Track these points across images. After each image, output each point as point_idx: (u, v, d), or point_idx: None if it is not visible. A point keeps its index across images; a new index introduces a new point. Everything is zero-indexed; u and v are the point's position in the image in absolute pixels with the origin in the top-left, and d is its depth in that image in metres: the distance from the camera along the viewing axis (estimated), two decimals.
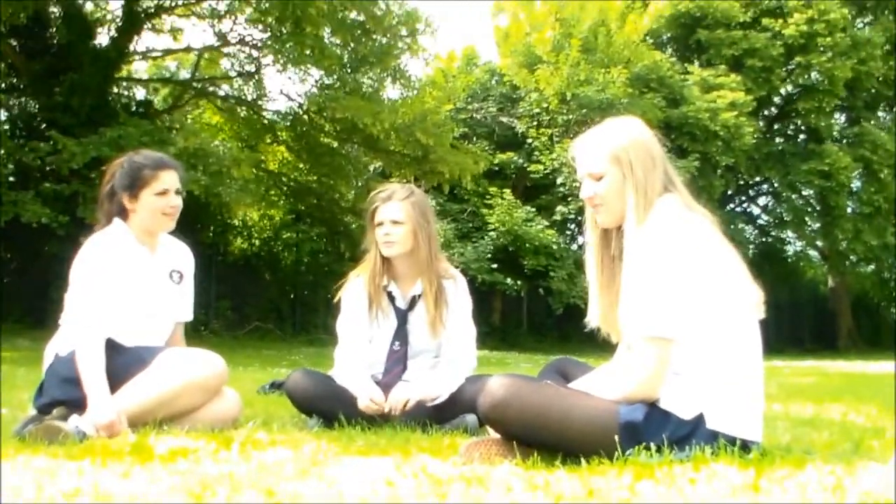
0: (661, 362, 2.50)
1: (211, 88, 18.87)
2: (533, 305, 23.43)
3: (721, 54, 24.20)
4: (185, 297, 3.63)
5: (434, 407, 3.57)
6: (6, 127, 16.62)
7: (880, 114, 27.95)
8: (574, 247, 24.28)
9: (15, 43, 16.03)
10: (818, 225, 27.53)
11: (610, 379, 2.67)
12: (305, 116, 18.21)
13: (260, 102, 18.98)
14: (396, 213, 3.74)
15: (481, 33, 57.30)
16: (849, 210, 26.04)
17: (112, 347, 3.18)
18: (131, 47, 17.24)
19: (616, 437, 2.46)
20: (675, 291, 2.50)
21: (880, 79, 25.39)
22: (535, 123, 22.92)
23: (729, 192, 27.16)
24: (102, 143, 13.01)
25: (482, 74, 24.80)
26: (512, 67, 23.74)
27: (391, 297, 3.81)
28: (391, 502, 1.86)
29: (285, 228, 21.72)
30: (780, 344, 21.74)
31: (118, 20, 16.90)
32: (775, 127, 27.93)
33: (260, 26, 16.90)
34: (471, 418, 3.50)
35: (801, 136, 27.37)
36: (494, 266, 20.31)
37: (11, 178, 14.12)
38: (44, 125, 14.60)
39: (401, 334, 3.77)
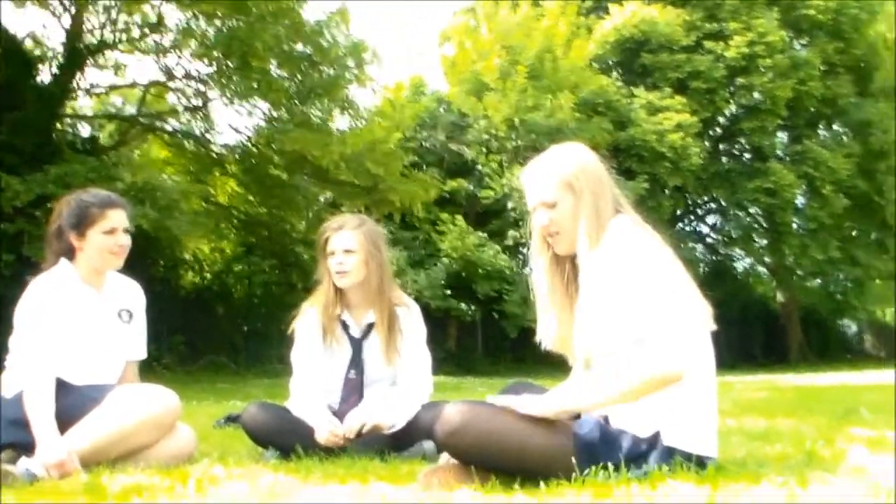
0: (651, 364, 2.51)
1: (158, 123, 18.70)
2: (488, 330, 23.44)
3: (666, 77, 24.56)
4: (137, 335, 3.59)
5: (391, 435, 3.56)
6: None
7: (821, 131, 28.51)
8: (526, 270, 24.36)
9: None
10: (765, 241, 27.94)
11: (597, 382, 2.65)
12: (254, 149, 18.11)
13: (208, 136, 18.84)
14: (348, 243, 3.74)
15: (428, 63, 57.56)
16: (794, 226, 26.45)
17: (61, 387, 3.12)
18: (74, 84, 17.04)
19: (573, 459, 2.47)
20: (647, 299, 2.51)
21: (819, 98, 25.92)
22: (484, 150, 23.05)
23: (678, 212, 27.48)
24: (48, 180, 12.81)
25: (430, 103, 24.88)
26: (460, 95, 23.87)
27: (345, 326, 3.80)
28: None
29: (236, 261, 21.55)
30: (733, 359, 21.95)
31: (60, 57, 16.70)
32: (721, 147, 28.36)
33: (206, 60, 16.80)
34: (428, 445, 3.49)
35: (747, 156, 27.79)
36: (448, 292, 20.33)
37: None
38: None
39: (356, 363, 3.76)
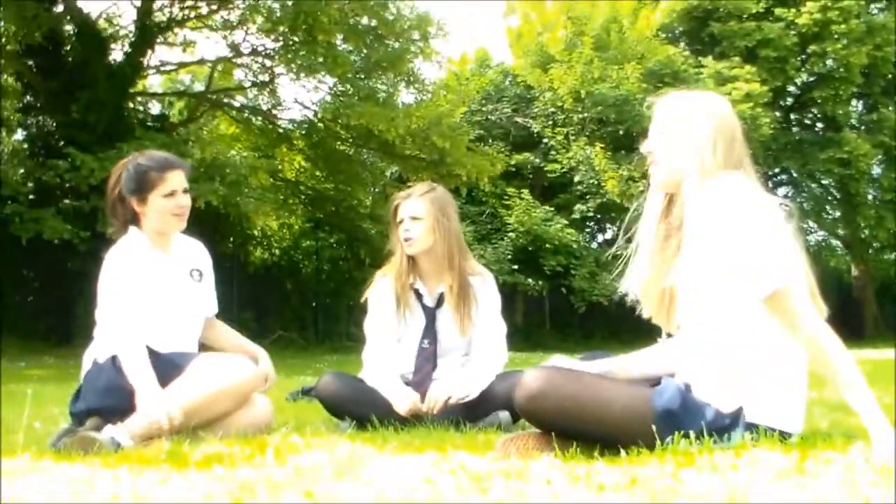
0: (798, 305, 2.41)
1: (226, 100, 18.93)
2: (555, 304, 23.36)
3: (734, 46, 24.05)
4: (208, 292, 3.62)
5: (466, 405, 3.54)
6: (25, 146, 16.74)
7: None
8: (594, 245, 24.23)
9: (31, 62, 16.13)
10: (839, 213, 27.34)
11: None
12: (320, 124, 18.23)
13: (275, 112, 19.02)
14: (415, 210, 3.72)
15: (493, 35, 57.22)
16: (870, 197, 25.84)
17: (148, 355, 3.18)
18: (145, 62, 17.31)
19: (653, 426, 2.43)
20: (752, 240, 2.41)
21: None
22: (550, 123, 22.91)
23: None
24: (120, 158, 12.99)
25: (495, 76, 24.79)
26: (525, 67, 23.75)
27: (419, 296, 3.79)
28: (432, 501, 1.84)
29: (304, 237, 21.76)
30: None
31: (131, 35, 16.97)
32: (792, 117, 27.75)
33: (272, 36, 16.93)
34: (503, 415, 3.48)
35: (819, 125, 27.17)
36: (515, 267, 20.29)
37: (32, 197, 14.18)
38: (61, 143, 14.67)
39: (430, 332, 3.75)
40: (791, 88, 26.57)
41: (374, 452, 2.65)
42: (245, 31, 17.27)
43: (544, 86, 22.86)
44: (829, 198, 27.64)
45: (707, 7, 24.58)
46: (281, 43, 16.89)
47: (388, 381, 3.63)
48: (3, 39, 15.75)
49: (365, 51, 16.87)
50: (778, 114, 25.57)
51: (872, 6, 26.11)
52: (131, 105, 17.27)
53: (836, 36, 23.68)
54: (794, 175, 27.15)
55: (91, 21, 16.52)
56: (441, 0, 28.65)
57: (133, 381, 3.08)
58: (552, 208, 21.60)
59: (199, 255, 3.62)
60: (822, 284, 2.61)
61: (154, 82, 20.86)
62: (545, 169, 22.36)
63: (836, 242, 30.21)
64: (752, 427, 2.45)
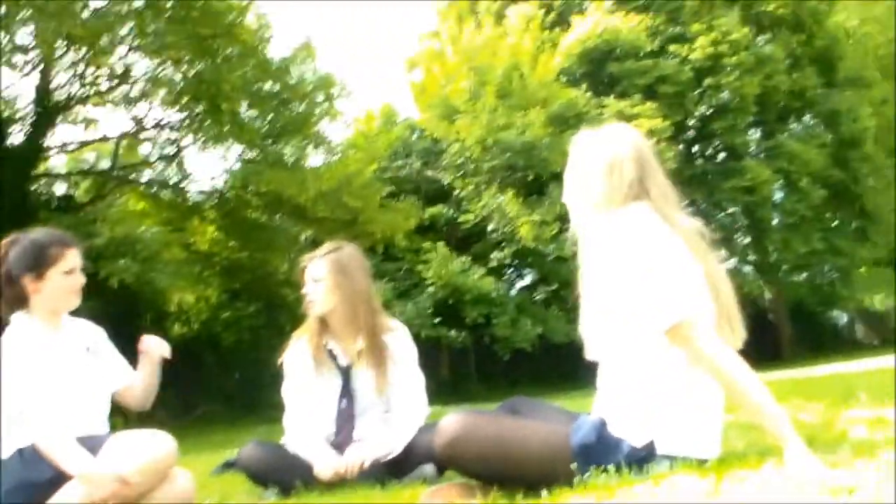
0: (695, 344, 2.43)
1: (132, 176, 18.69)
2: (480, 354, 23.36)
3: (634, 84, 24.72)
4: (115, 361, 3.53)
5: (390, 461, 3.51)
6: None
7: (792, 125, 28.72)
8: (513, 292, 24.37)
9: None
10: (748, 239, 28.04)
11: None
12: (230, 193, 18.11)
13: (183, 184, 18.84)
14: (316, 272, 3.72)
15: (397, 90, 57.82)
16: (775, 222, 26.59)
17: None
18: (46, 142, 17.01)
19: (573, 464, 2.44)
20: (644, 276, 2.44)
21: (787, 91, 26.15)
22: (460, 173, 23.11)
23: None
24: None
25: (402, 131, 24.95)
26: (431, 121, 23.96)
27: (333, 356, 3.76)
28: None
29: (222, 308, 21.40)
30: None
31: (31, 116, 16.68)
32: (694, 149, 28.50)
33: (176, 107, 16.82)
34: (428, 468, 3.46)
35: (721, 155, 27.93)
36: (437, 320, 20.27)
37: None
38: None
39: (346, 392, 3.72)
40: (691, 122, 27.32)
41: None
42: (148, 104, 17.14)
43: (452, 137, 23.09)
44: (737, 225, 28.35)
45: (604, 48, 25.22)
46: (185, 114, 16.79)
47: (309, 445, 3.58)
48: None
49: (270, 115, 16.87)
50: (681, 147, 26.26)
51: (759, 38, 27.14)
52: (34, 188, 16.92)
53: (728, 68, 24.55)
54: (702, 205, 27.81)
55: None
56: (342, 60, 28.73)
57: (67, 465, 2.95)
58: (469, 258, 21.68)
59: (88, 330, 3.48)
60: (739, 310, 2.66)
61: (58, 162, 20.48)
62: (458, 220, 22.50)
63: (747, 268, 30.96)
64: (669, 458, 2.47)
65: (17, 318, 3.26)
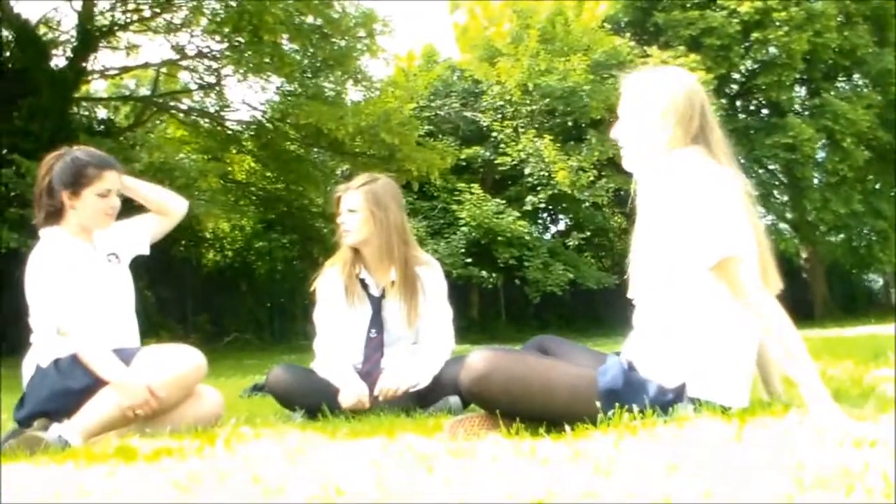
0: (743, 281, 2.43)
1: (172, 103, 18.74)
2: (510, 296, 23.46)
3: (679, 35, 24.28)
4: (133, 234, 3.56)
5: (416, 392, 3.57)
6: None
7: (839, 84, 28.14)
8: (547, 236, 24.36)
9: None
10: (786, 197, 27.71)
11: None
12: (269, 125, 18.13)
13: (222, 113, 18.87)
14: (351, 202, 3.75)
15: (439, 30, 57.22)
16: (815, 181, 26.21)
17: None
18: (88, 67, 17.07)
19: (598, 403, 2.47)
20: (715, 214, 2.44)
21: (836, 49, 25.57)
22: (499, 116, 22.98)
23: None
24: None
25: (443, 71, 24.82)
26: (472, 62, 23.79)
27: (365, 285, 3.80)
28: (378, 481, 1.86)
29: (257, 238, 21.63)
30: None
31: (73, 40, 16.73)
32: (737, 104, 28.07)
33: (217, 37, 16.78)
34: (453, 400, 3.51)
35: (764, 111, 27.50)
36: (469, 260, 20.32)
37: None
38: (5, 151, 14.42)
39: (376, 322, 3.76)
40: (735, 76, 26.88)
41: (324, 440, 2.67)
42: (189, 33, 17.10)
43: (492, 80, 22.93)
44: (776, 182, 28.01)
45: None
46: (226, 44, 16.74)
47: (339, 371, 3.64)
48: None
49: (311, 50, 16.79)
50: (724, 101, 25.86)
51: None
52: (76, 111, 17.02)
53: (777, 23, 24.00)
54: (742, 161, 27.38)
55: (30, 27, 16.24)
56: None
57: (104, 372, 3.05)
58: (504, 201, 21.66)
59: (110, 236, 3.49)
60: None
61: (98, 87, 20.59)
62: (495, 162, 22.43)
63: (784, 226, 30.68)
64: (695, 401, 2.49)
65: (49, 232, 3.33)
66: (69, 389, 3.05)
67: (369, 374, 3.64)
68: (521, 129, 22.31)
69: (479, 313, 22.83)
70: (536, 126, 22.39)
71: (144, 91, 20.60)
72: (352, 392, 3.52)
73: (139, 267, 3.59)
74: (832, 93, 26.39)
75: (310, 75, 17.44)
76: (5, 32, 16.13)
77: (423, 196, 21.22)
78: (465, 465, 1.97)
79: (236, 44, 16.30)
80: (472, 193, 21.06)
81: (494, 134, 22.67)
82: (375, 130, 16.22)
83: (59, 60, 16.62)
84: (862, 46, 25.94)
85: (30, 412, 3.13)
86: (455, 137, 22.71)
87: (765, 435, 2.11)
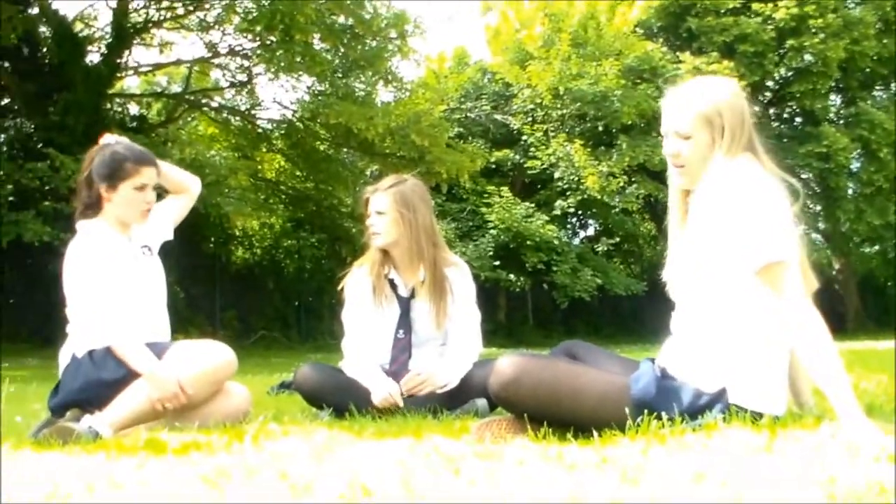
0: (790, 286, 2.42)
1: (203, 100, 18.88)
2: (538, 301, 23.43)
3: (713, 41, 24.12)
4: (157, 221, 3.56)
5: (444, 393, 3.57)
6: (4, 148, 16.64)
7: (876, 93, 27.83)
8: (576, 241, 24.29)
9: (7, 64, 16.05)
10: (819, 207, 27.45)
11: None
12: (299, 124, 18.21)
13: (253, 112, 18.98)
14: (379, 204, 3.74)
15: (471, 33, 57.21)
16: (849, 191, 25.94)
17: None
18: (122, 63, 17.23)
19: (627, 411, 2.45)
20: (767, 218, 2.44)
21: (874, 58, 25.29)
22: (529, 120, 22.96)
23: None
24: None
25: (474, 73, 24.83)
26: (503, 65, 23.79)
27: (393, 286, 3.80)
28: (404, 481, 1.86)
29: (286, 236, 21.74)
30: None
31: (108, 37, 16.90)
32: (771, 111, 27.85)
33: (249, 36, 16.89)
34: (481, 402, 3.51)
35: (798, 120, 27.27)
36: (497, 263, 20.31)
37: (11, 199, 14.08)
38: (40, 145, 14.59)
39: (404, 323, 3.76)
40: (769, 83, 26.67)
41: (351, 439, 2.68)
42: (222, 31, 17.23)
43: (523, 83, 22.90)
44: (809, 192, 27.76)
45: (684, 3, 24.64)
46: (258, 43, 16.85)
47: (367, 370, 3.64)
48: None
49: (342, 50, 16.85)
50: (757, 108, 25.52)
51: (849, 0, 26.25)
52: (109, 106, 17.19)
53: (813, 30, 23.77)
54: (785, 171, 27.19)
55: (67, 23, 16.43)
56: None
57: (136, 364, 3.09)
58: (533, 205, 21.64)
59: (142, 228, 3.50)
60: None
61: (131, 84, 20.79)
62: (525, 166, 22.41)
63: (816, 236, 30.41)
64: (724, 410, 2.46)
65: (86, 224, 3.37)
66: (102, 381, 3.10)
67: (396, 374, 3.63)
68: (551, 133, 22.28)
69: (506, 317, 22.81)
70: (567, 130, 22.35)
71: (176, 88, 20.77)
72: (384, 389, 3.52)
73: (168, 262, 3.61)
74: (868, 102, 26.12)
75: (340, 75, 17.50)
76: (42, 28, 16.32)
77: (452, 198, 21.25)
78: (491, 468, 1.97)
79: (268, 42, 16.40)
80: (501, 197, 21.05)
81: (525, 137, 22.64)
82: (405, 132, 16.25)
83: (93, 56, 16.82)
84: None
85: (63, 401, 3.17)
86: (485, 140, 22.71)
87: (796, 447, 2.09)
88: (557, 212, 21.80)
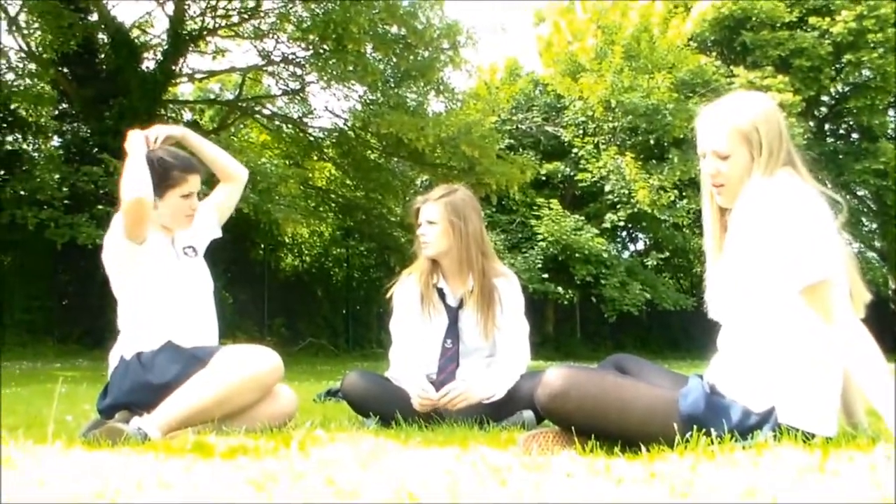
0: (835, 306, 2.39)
1: (256, 107, 19.08)
2: (586, 314, 23.30)
3: (767, 55, 23.86)
4: (203, 220, 3.60)
5: (490, 404, 3.56)
6: (60, 152, 16.98)
7: None
8: (625, 254, 24.13)
9: (66, 70, 16.38)
10: (875, 225, 27.00)
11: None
12: (350, 133, 18.32)
13: (305, 120, 19.15)
14: (430, 214, 3.75)
15: (523, 44, 57.16)
16: None
17: (172, 350, 3.23)
18: (177, 70, 17.49)
19: (675, 427, 2.43)
20: (812, 236, 2.40)
21: None
22: (580, 132, 22.85)
23: None
24: None
25: (525, 85, 24.79)
26: (555, 77, 23.70)
27: (442, 295, 3.80)
28: (451, 491, 1.85)
29: (335, 244, 21.87)
30: None
31: (164, 44, 17.17)
32: (826, 127, 27.48)
33: (302, 44, 17.05)
34: (528, 414, 3.49)
35: (854, 135, 26.87)
36: (545, 276, 20.22)
37: (67, 202, 14.34)
38: (96, 149, 14.83)
39: (452, 332, 3.76)
40: (825, 98, 26.31)
41: (398, 447, 2.67)
42: (276, 39, 17.42)
43: (574, 95, 22.81)
44: (865, 209, 27.31)
45: (739, 16, 24.42)
46: (311, 51, 17.00)
47: (412, 378, 3.65)
48: (40, 48, 16.00)
49: (394, 59, 16.93)
50: (812, 124, 25.34)
51: None
52: (163, 112, 17.45)
53: (871, 45, 23.41)
54: (829, 186, 26.75)
55: (125, 30, 16.73)
56: (471, 2, 28.63)
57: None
58: (583, 217, 21.52)
59: (185, 233, 3.55)
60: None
61: (185, 90, 21.08)
62: (575, 178, 22.31)
63: (872, 255, 29.87)
64: (775, 429, 2.43)
65: None
66: (150, 384, 3.14)
67: (443, 384, 3.62)
68: (602, 146, 22.15)
69: (554, 329, 22.72)
70: (618, 143, 22.21)
71: (229, 95, 21.01)
72: (417, 388, 3.53)
73: (218, 268, 3.64)
74: None
75: (392, 85, 17.59)
76: (101, 35, 16.63)
77: (502, 210, 21.22)
78: (538, 480, 1.95)
79: (321, 51, 16.54)
80: (550, 209, 20.97)
81: (575, 150, 22.55)
82: (456, 142, 16.27)
83: (149, 63, 17.11)
84: None
85: (112, 403, 3.22)
86: (535, 152, 22.66)
87: (849, 467, 2.05)
88: (607, 225, 21.66)
